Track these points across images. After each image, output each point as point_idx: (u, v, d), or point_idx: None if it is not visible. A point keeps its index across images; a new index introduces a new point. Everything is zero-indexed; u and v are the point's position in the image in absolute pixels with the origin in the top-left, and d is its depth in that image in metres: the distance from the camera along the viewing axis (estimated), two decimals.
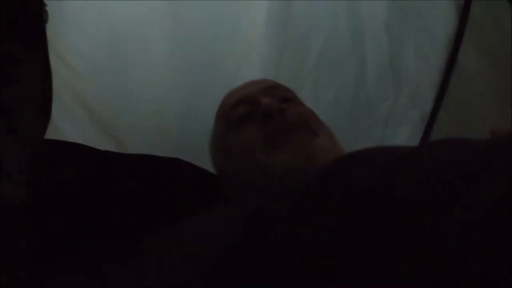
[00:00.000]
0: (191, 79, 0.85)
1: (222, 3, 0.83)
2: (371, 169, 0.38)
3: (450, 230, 0.28)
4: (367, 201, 0.34)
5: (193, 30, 0.83)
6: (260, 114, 0.61)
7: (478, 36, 0.93)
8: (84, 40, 0.76)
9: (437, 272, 0.27)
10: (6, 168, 0.52)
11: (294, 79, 0.91)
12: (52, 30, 0.63)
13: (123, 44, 0.80)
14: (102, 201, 0.73)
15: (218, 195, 0.70)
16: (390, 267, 0.29)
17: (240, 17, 0.86)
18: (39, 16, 0.57)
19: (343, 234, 0.33)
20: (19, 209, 0.53)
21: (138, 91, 0.82)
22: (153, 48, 0.81)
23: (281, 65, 0.91)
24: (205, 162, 0.77)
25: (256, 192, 0.55)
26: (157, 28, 0.80)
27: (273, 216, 0.39)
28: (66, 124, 0.77)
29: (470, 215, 0.28)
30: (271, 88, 0.68)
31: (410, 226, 0.31)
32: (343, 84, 0.96)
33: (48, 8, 0.58)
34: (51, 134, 0.75)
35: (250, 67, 0.88)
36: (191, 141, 0.86)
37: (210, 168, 0.76)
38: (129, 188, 0.78)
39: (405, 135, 1.03)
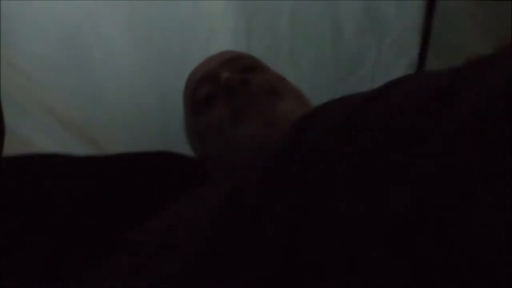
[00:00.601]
0: (161, 68, 0.82)
1: None
2: (323, 131, 0.37)
3: (398, 202, 0.27)
4: (323, 167, 0.34)
5: (152, 17, 0.79)
6: (223, 90, 0.59)
7: None
8: (36, 42, 0.72)
9: (389, 234, 0.27)
10: None
11: (268, 48, 0.87)
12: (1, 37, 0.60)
13: (79, 40, 0.76)
14: (86, 210, 0.72)
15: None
16: (347, 240, 0.29)
17: None
18: None
19: (304, 218, 0.32)
20: None
21: (108, 89, 0.80)
22: (113, 42, 0.77)
23: (252, 36, 0.87)
24: (191, 151, 0.75)
25: (226, 175, 0.54)
26: (113, 20, 0.76)
27: (237, 209, 0.39)
28: (39, 136, 0.75)
29: (421, 176, 0.27)
30: (231, 60, 0.65)
31: (360, 192, 0.30)
32: (321, 45, 0.92)
33: None
34: (24, 149, 0.73)
35: (219, 43, 0.85)
36: (173, 131, 0.84)
37: None
38: (116, 190, 0.77)
39: None
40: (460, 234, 0.24)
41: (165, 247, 0.41)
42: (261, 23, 0.87)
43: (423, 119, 0.31)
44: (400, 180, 0.28)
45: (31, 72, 0.73)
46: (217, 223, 0.39)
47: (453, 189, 0.26)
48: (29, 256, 0.61)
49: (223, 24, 0.85)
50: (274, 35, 0.89)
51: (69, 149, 0.77)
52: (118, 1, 0.76)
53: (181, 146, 0.81)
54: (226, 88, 0.59)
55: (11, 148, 0.68)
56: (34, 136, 0.74)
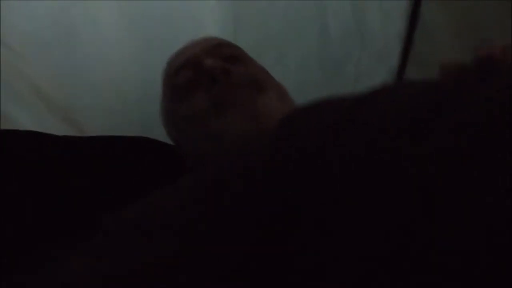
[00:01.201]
0: (148, 55, 0.82)
1: None
2: (308, 134, 0.36)
3: (393, 203, 0.27)
4: (318, 165, 0.32)
5: (142, 4, 0.78)
6: (204, 77, 0.58)
7: None
8: (26, 19, 0.71)
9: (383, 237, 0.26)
10: None
11: (256, 43, 0.88)
12: None
13: (68, 21, 0.75)
14: (64, 188, 0.70)
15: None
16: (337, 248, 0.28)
17: None
18: None
19: (289, 215, 0.31)
20: None
21: (94, 71, 0.79)
22: (103, 24, 0.77)
23: (240, 35, 0.87)
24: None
25: (208, 165, 0.53)
26: (104, 3, 0.76)
27: (223, 202, 0.37)
28: (21, 113, 0.74)
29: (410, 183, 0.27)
30: (215, 47, 0.63)
31: (356, 192, 0.29)
32: (308, 47, 0.94)
33: None
34: (5, 124, 0.72)
35: (208, 34, 0.85)
36: (155, 119, 0.83)
37: None
38: (94, 172, 0.75)
39: None
40: (457, 235, 0.24)
41: (142, 234, 0.40)
42: (249, 24, 0.88)
43: (417, 121, 0.31)
44: (394, 181, 0.28)
45: (18, 49, 0.72)
46: (198, 215, 0.38)
47: (449, 190, 0.25)
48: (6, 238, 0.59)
49: (211, 16, 0.85)
50: (263, 31, 0.90)
51: (50, 129, 0.75)
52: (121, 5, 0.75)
53: (162, 134, 0.80)
54: (208, 76, 0.57)
55: None
56: (15, 113, 0.73)
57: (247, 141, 0.49)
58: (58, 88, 0.77)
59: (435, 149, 0.28)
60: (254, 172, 0.37)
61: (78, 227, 0.51)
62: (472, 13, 0.82)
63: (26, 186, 0.69)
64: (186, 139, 0.62)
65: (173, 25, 0.83)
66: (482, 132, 0.27)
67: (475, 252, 0.23)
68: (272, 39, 0.92)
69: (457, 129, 0.28)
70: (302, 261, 0.29)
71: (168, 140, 0.80)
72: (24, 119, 0.74)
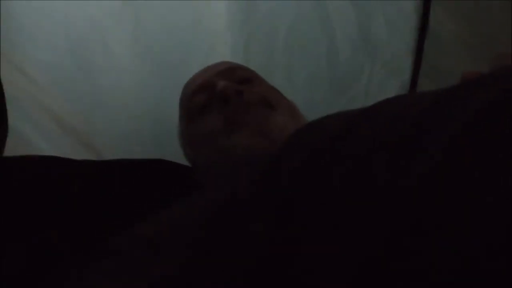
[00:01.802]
0: (161, 80, 0.85)
1: (181, 1, 0.82)
2: (307, 151, 0.37)
3: (391, 215, 0.27)
4: (317, 177, 0.33)
5: (155, 29, 0.82)
6: (217, 98, 0.60)
7: None
8: (43, 49, 0.75)
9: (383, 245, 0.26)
10: None
11: (265, 65, 0.90)
12: (8, 41, 0.62)
13: (85, 50, 0.79)
14: (82, 209, 0.73)
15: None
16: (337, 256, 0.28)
17: (201, 11, 0.85)
18: None
19: (292, 225, 0.32)
20: None
21: (108, 97, 0.82)
22: (116, 52, 0.80)
23: (250, 53, 0.90)
24: (185, 161, 0.77)
25: (218, 184, 0.54)
26: (118, 30, 0.80)
27: (229, 219, 0.38)
28: (38, 139, 0.77)
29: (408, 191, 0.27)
30: (228, 71, 0.66)
31: (354, 203, 0.29)
32: (316, 64, 0.95)
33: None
34: (24, 151, 0.75)
35: (218, 59, 0.87)
36: (169, 142, 0.85)
37: None
38: (111, 194, 0.78)
39: None
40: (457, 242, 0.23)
41: (152, 253, 0.41)
42: (259, 40, 0.90)
43: (415, 132, 0.31)
44: (390, 191, 0.28)
45: (37, 77, 0.76)
46: (206, 232, 0.39)
47: (446, 201, 0.25)
48: (15, 257, 0.61)
49: (222, 41, 0.88)
50: (272, 53, 0.93)
51: (67, 153, 0.79)
52: (124, 14, 0.79)
53: (176, 157, 0.82)
54: (220, 97, 0.59)
55: (12, 149, 0.70)
56: (34, 139, 0.76)
57: (256, 156, 0.49)
58: (75, 114, 0.80)
59: (427, 162, 0.28)
60: (259, 184, 0.39)
61: (94, 247, 0.52)
62: (480, 21, 0.81)
63: (45, 208, 0.71)
64: (202, 158, 0.64)
65: (184, 50, 0.86)
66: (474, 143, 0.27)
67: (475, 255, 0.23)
68: (280, 59, 0.93)
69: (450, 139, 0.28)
70: (303, 265, 0.29)
71: (183, 161, 0.82)
72: (43, 144, 0.77)
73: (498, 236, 0.22)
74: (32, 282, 0.48)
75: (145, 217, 0.51)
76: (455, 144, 0.27)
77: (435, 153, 0.28)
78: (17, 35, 0.72)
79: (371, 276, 0.26)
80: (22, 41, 0.73)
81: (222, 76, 0.64)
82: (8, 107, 0.68)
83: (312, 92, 0.94)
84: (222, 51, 0.88)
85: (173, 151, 0.80)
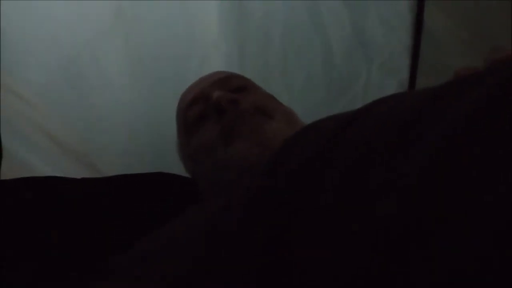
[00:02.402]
0: (156, 94, 0.84)
1: (171, 13, 0.82)
2: (302, 156, 0.37)
3: (384, 216, 0.26)
4: (310, 182, 0.33)
5: (147, 44, 0.82)
6: (213, 109, 0.59)
7: None
8: (34, 70, 0.75)
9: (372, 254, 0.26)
10: None
11: (261, 71, 0.89)
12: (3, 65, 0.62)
13: (77, 68, 0.78)
14: (84, 228, 0.73)
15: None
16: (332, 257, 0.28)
17: (192, 23, 0.84)
18: None
19: (289, 231, 0.32)
20: None
21: (103, 114, 0.81)
22: (109, 68, 0.80)
23: (245, 60, 0.89)
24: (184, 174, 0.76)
25: (216, 194, 0.54)
26: (109, 48, 0.79)
27: (226, 228, 0.38)
28: (37, 160, 0.77)
29: (401, 194, 0.26)
30: (223, 80, 0.65)
31: (347, 205, 0.29)
32: (312, 68, 0.94)
33: None
34: (22, 173, 0.75)
35: (213, 69, 0.87)
36: (167, 156, 0.85)
37: None
38: (114, 210, 0.78)
39: None
40: (445, 244, 0.23)
41: (152, 271, 0.41)
42: (253, 48, 0.90)
43: (405, 133, 0.30)
44: (384, 193, 0.28)
45: (31, 98, 0.76)
46: (205, 244, 0.39)
47: (437, 201, 0.25)
48: (21, 277, 0.61)
49: (216, 50, 0.87)
50: (267, 59, 0.92)
51: (66, 173, 0.79)
52: (114, 30, 0.79)
53: (176, 169, 0.82)
54: (216, 107, 0.59)
55: (9, 172, 0.70)
56: (32, 161, 0.76)
57: (252, 164, 0.50)
58: (71, 133, 0.80)
59: (421, 162, 0.27)
60: (256, 189, 0.39)
61: (94, 266, 0.52)
62: (476, 18, 0.81)
63: (47, 228, 0.71)
64: (201, 169, 0.64)
65: (178, 63, 0.86)
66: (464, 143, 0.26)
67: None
68: (275, 65, 0.93)
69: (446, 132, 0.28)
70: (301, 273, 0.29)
71: (183, 173, 0.81)
72: (41, 165, 0.77)
73: (498, 236, 0.22)
74: None
75: (147, 231, 0.51)
76: (452, 142, 0.27)
77: (431, 152, 0.27)
78: (8, 58, 0.72)
79: (367, 281, 0.25)
80: (13, 63, 0.73)
81: (216, 86, 0.63)
82: (2, 129, 0.68)
83: (309, 96, 0.94)
84: (216, 60, 0.88)
85: (172, 163, 0.80)
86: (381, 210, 0.27)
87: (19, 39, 0.73)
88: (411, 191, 0.26)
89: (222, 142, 0.58)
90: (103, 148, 0.82)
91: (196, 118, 0.62)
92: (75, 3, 0.74)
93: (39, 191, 0.73)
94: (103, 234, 0.72)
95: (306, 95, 0.93)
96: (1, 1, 0.69)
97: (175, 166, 0.77)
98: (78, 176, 0.79)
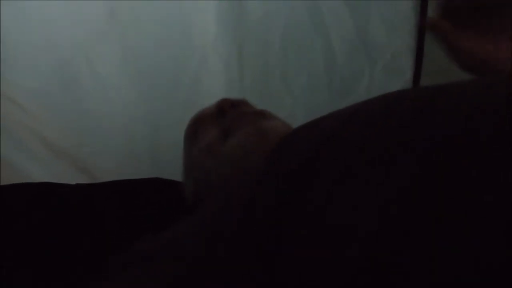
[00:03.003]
0: (152, 97, 0.82)
1: (167, 13, 0.80)
2: (301, 156, 0.37)
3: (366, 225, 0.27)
4: (298, 189, 0.34)
5: (143, 46, 0.80)
6: (215, 114, 0.61)
7: None
8: (28, 75, 0.74)
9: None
10: None
11: (260, 72, 0.88)
12: None
13: (71, 72, 0.77)
14: (78, 235, 0.72)
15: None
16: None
17: (190, 23, 0.83)
18: None
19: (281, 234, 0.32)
20: None
21: (98, 118, 0.80)
22: (104, 72, 0.78)
23: (244, 62, 0.87)
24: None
25: (215, 195, 0.54)
26: (104, 50, 0.77)
27: (226, 228, 0.39)
28: (31, 165, 0.76)
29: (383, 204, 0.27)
30: (223, 101, 0.66)
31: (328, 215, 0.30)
32: (314, 69, 0.92)
33: None
34: (17, 178, 0.74)
35: (211, 72, 0.85)
36: (163, 161, 0.83)
37: None
38: (109, 216, 0.77)
39: None
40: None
41: (153, 268, 0.41)
42: (252, 49, 0.88)
43: (401, 133, 0.31)
44: (365, 205, 0.28)
45: (25, 104, 0.74)
46: (205, 244, 0.39)
47: (437, 201, 0.25)
48: (21, 277, 0.62)
49: (214, 52, 0.86)
50: (266, 61, 0.90)
51: (61, 178, 0.77)
52: (109, 33, 0.77)
53: (172, 175, 0.80)
54: (217, 108, 0.61)
55: (4, 177, 0.69)
56: (27, 166, 0.75)
57: (249, 151, 0.53)
58: (67, 138, 0.79)
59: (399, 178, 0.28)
60: (253, 192, 0.39)
61: (94, 268, 0.52)
62: None
63: (44, 231, 0.71)
64: (200, 176, 0.64)
65: (175, 65, 0.84)
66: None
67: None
68: (276, 67, 0.91)
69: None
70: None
71: (179, 179, 0.80)
72: (36, 171, 0.76)
73: (498, 236, 0.22)
74: None
75: (145, 235, 0.52)
76: (450, 144, 0.27)
77: (426, 153, 0.28)
78: (4, 64, 0.71)
79: (365, 279, 0.26)
80: (7, 69, 0.71)
81: (219, 106, 0.65)
82: (2, 139, 0.67)
83: (311, 98, 0.92)
84: (215, 62, 0.86)
85: (168, 168, 0.78)
86: (369, 214, 0.27)
87: (12, 43, 0.71)
88: (407, 193, 0.27)
89: (220, 139, 0.59)
90: (97, 152, 0.81)
91: (197, 129, 0.63)
92: (68, 5, 0.72)
93: (34, 196, 0.72)
94: (98, 238, 0.72)
95: (307, 96, 0.91)
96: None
97: (171, 170, 0.75)
98: (74, 182, 0.78)
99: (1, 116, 0.71)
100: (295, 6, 0.88)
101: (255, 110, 0.62)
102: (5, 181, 0.72)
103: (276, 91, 0.90)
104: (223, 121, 0.59)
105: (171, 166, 0.73)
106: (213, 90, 0.85)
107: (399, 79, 0.98)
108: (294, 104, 0.91)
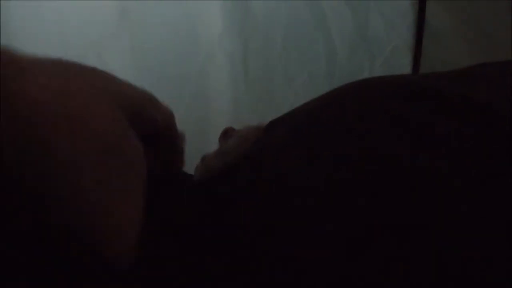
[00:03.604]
0: (161, 94, 0.85)
1: (175, 13, 0.82)
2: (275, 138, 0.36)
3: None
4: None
5: (152, 44, 0.82)
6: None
7: None
8: None
9: None
10: None
11: (264, 69, 0.90)
12: None
13: None
14: None
15: None
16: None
17: (196, 22, 0.85)
18: None
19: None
20: None
21: None
22: (114, 68, 0.80)
23: (249, 59, 0.90)
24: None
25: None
26: (115, 49, 0.80)
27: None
28: None
29: None
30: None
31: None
32: (315, 65, 0.95)
33: None
34: None
35: (217, 67, 0.88)
36: None
37: None
38: None
39: None
40: None
41: None
42: (256, 46, 0.91)
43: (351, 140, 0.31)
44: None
45: None
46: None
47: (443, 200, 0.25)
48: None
49: (220, 49, 0.88)
50: (270, 58, 0.93)
51: None
52: (120, 31, 0.80)
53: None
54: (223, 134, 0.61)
55: None
56: None
57: (248, 139, 0.51)
58: None
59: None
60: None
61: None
62: (476, 14, 0.81)
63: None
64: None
65: (182, 62, 0.87)
66: None
67: None
68: (278, 63, 0.93)
69: None
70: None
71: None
72: None
73: (498, 236, 0.23)
74: None
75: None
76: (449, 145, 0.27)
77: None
78: None
79: (361, 279, 0.25)
80: None
81: None
82: None
83: (312, 93, 0.93)
84: (220, 59, 0.89)
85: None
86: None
87: (25, 42, 0.74)
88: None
89: (222, 141, 0.59)
90: None
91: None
92: (80, 5, 0.75)
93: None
94: None
95: (309, 92, 0.94)
96: (8, 4, 0.70)
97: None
98: None
99: None
100: (298, 5, 0.90)
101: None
102: None
103: (278, 87, 0.92)
104: (223, 142, 0.59)
105: None
106: (218, 85, 0.89)
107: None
108: (296, 99, 0.94)
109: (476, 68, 0.39)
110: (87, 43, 0.78)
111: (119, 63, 0.81)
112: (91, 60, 0.80)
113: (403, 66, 0.99)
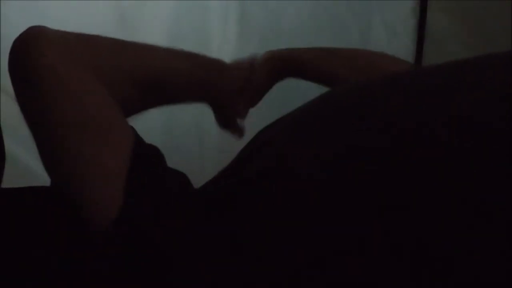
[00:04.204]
0: None
1: (173, 17, 0.82)
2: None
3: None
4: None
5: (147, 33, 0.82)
6: None
7: None
8: None
9: None
10: None
11: None
12: (5, 73, 0.62)
13: None
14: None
15: None
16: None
17: (195, 26, 0.85)
18: None
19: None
20: None
21: None
22: None
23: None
24: (194, 177, 0.76)
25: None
26: None
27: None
28: (39, 167, 0.77)
29: None
30: None
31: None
32: None
33: None
34: (24, 176, 0.75)
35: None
36: (177, 157, 0.85)
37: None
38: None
39: None
40: None
41: None
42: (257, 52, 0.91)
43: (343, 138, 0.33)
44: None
45: None
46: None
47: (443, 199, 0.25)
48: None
49: (218, 52, 0.87)
50: None
51: None
52: (118, 37, 0.80)
53: (184, 169, 0.81)
54: None
55: (12, 177, 0.70)
56: (35, 166, 0.76)
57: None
58: None
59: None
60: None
61: None
62: (477, 20, 0.81)
63: (52, 234, 0.71)
64: None
65: None
66: None
67: None
68: None
69: None
70: None
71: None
72: (41, 167, 0.77)
73: (498, 236, 0.22)
74: None
75: None
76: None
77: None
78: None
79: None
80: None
81: None
82: (5, 134, 0.68)
83: (314, 96, 0.94)
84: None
85: (184, 161, 0.79)
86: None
87: None
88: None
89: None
90: None
91: None
92: (78, 12, 0.75)
93: (43, 200, 0.72)
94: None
95: (311, 96, 0.93)
96: (3, 6, 0.70)
97: (185, 160, 0.77)
98: None
99: (7, 113, 0.72)
100: (298, 11, 0.90)
101: None
102: (10, 178, 0.73)
103: (278, 94, 0.91)
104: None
105: (185, 163, 0.75)
106: None
107: None
108: (296, 106, 0.93)
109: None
110: None
111: None
112: None
113: None
